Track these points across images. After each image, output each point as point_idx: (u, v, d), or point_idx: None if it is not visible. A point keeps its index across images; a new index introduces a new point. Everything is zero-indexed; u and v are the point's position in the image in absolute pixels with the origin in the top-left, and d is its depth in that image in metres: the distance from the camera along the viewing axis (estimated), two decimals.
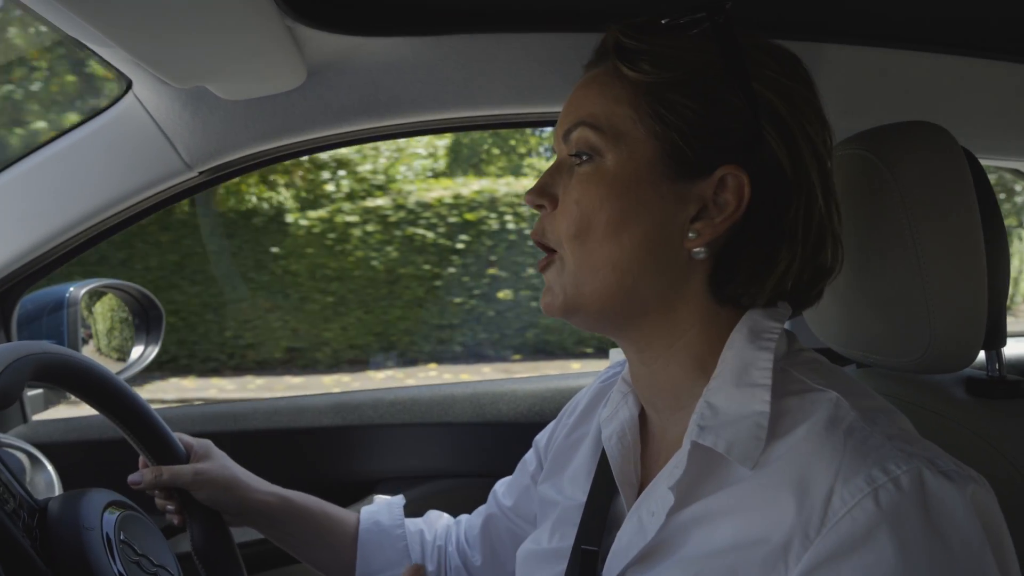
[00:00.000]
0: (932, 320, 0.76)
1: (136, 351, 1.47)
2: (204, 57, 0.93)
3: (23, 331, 1.32)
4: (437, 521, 1.04)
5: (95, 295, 1.43)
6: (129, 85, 1.10)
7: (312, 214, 6.00)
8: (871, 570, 0.52)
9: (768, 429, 0.60)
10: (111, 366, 1.39)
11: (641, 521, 0.65)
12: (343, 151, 6.01)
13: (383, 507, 1.03)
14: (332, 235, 5.96)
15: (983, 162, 0.86)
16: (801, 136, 0.65)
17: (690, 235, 0.65)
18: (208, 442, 1.01)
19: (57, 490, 1.23)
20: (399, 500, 1.04)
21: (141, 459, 0.96)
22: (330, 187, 6.08)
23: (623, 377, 0.79)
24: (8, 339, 1.29)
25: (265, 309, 5.94)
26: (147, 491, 0.94)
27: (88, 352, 1.40)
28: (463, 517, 1.02)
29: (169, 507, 0.96)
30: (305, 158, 5.99)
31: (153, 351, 1.47)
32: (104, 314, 1.46)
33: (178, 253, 5.90)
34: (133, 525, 0.84)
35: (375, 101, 1.13)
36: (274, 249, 5.94)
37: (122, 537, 0.80)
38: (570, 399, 0.94)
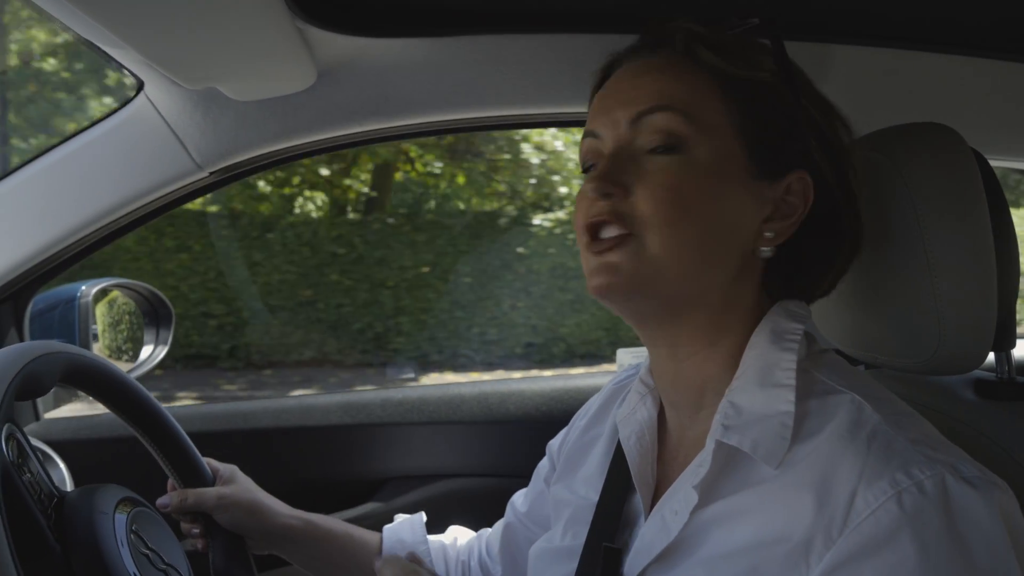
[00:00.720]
0: (941, 321, 0.76)
1: (146, 351, 1.47)
2: (215, 58, 0.94)
3: (34, 329, 1.32)
4: (460, 537, 1.04)
5: (105, 294, 1.44)
6: (141, 86, 1.10)
7: (552, 216, 6.30)
8: (892, 571, 0.52)
9: (792, 429, 0.61)
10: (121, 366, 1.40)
11: (664, 520, 0.65)
12: (563, 158, 6.36)
13: (405, 525, 1.03)
14: (572, 236, 6.13)
15: (992, 163, 0.86)
16: (837, 144, 0.68)
17: (767, 234, 0.66)
18: (234, 467, 1.02)
19: (69, 487, 1.23)
20: (420, 518, 1.04)
21: (169, 482, 0.97)
22: (563, 190, 6.38)
23: (641, 378, 0.79)
24: (21, 337, 1.29)
25: (509, 306, 6.21)
26: (174, 515, 0.95)
27: (97, 351, 1.40)
28: (484, 531, 1.03)
29: (194, 531, 0.97)
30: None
31: (162, 351, 1.47)
32: (106, 315, 1.47)
33: (432, 252, 6.13)
34: (145, 522, 0.85)
35: (385, 102, 1.13)
36: (520, 249, 6.21)
37: (133, 528, 0.81)
38: (577, 398, 0.94)
